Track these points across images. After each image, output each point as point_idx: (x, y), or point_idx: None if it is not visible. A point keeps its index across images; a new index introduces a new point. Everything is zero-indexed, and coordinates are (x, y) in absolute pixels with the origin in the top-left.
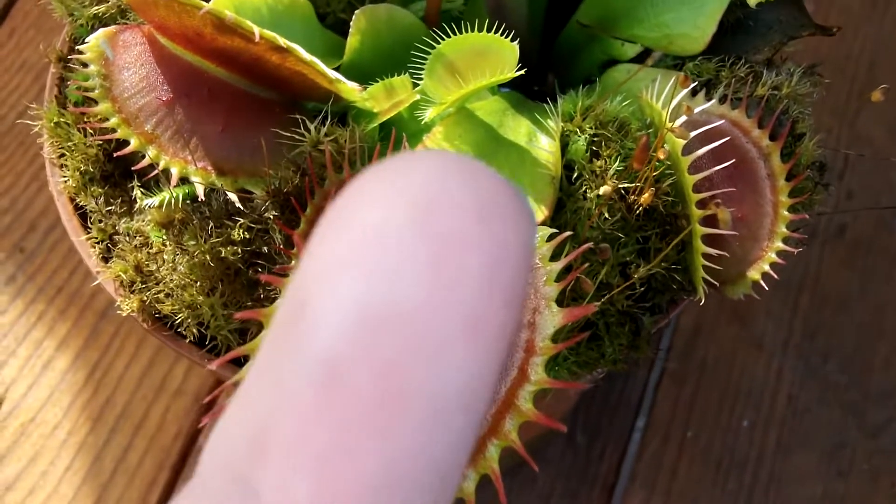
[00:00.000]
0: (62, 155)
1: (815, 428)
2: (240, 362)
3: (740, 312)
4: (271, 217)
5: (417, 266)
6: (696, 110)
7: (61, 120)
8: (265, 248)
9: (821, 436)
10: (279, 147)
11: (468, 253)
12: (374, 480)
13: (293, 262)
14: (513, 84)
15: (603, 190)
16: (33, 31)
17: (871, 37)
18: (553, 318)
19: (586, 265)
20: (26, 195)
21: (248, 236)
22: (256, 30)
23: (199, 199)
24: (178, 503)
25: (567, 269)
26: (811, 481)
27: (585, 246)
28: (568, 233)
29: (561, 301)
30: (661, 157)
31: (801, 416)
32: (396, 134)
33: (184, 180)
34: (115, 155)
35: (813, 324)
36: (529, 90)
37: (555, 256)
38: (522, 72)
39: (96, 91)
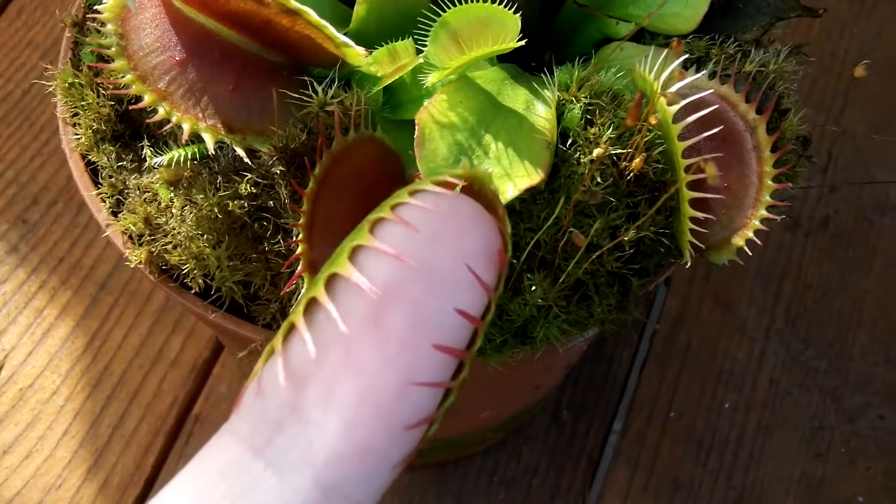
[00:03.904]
0: (76, 114)
1: (794, 411)
2: (241, 314)
3: (724, 299)
4: (278, 172)
5: (446, 247)
6: (686, 81)
7: (75, 81)
8: (271, 203)
9: (800, 419)
10: (287, 108)
11: (473, 239)
12: (402, 382)
13: (301, 218)
14: (510, 59)
15: (596, 153)
16: (40, 10)
17: (856, 36)
18: None
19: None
20: (30, 169)
21: (254, 191)
22: None
23: (209, 155)
24: (232, 425)
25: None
26: (790, 462)
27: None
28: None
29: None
30: (653, 122)
31: (782, 399)
32: (399, 99)
33: (194, 138)
34: (129, 108)
35: (794, 311)
36: (526, 66)
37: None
38: (524, 41)
39: (112, 49)
